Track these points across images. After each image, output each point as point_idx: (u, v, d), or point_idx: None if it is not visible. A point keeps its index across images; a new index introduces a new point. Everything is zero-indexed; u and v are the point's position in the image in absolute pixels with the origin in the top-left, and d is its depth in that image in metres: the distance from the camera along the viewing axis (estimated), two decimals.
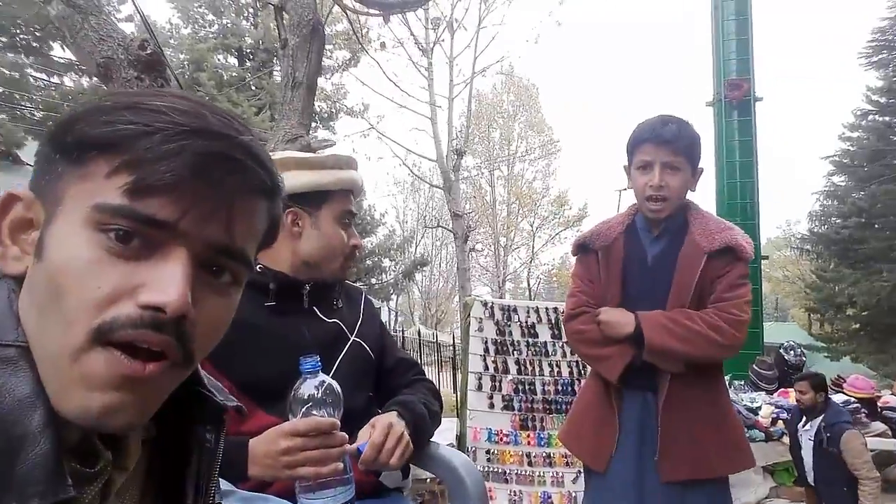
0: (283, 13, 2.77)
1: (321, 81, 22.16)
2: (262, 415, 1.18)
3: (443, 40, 16.06)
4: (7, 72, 14.11)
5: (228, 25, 18.33)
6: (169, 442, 0.59)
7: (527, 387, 4.03)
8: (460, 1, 15.75)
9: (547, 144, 24.03)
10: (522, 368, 4.07)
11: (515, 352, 4.10)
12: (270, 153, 0.57)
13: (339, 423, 1.06)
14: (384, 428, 1.20)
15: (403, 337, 13.44)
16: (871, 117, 15.99)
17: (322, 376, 1.08)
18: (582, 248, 1.91)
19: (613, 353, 1.75)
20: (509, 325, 4.14)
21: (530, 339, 4.12)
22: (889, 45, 15.52)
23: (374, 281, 24.83)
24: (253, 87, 16.79)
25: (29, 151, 17.03)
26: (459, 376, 4.54)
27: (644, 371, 1.73)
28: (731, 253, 1.72)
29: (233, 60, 18.34)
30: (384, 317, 20.91)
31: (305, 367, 1.06)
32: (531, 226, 24.33)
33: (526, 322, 4.14)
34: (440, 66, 17.12)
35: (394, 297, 27.12)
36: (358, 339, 1.39)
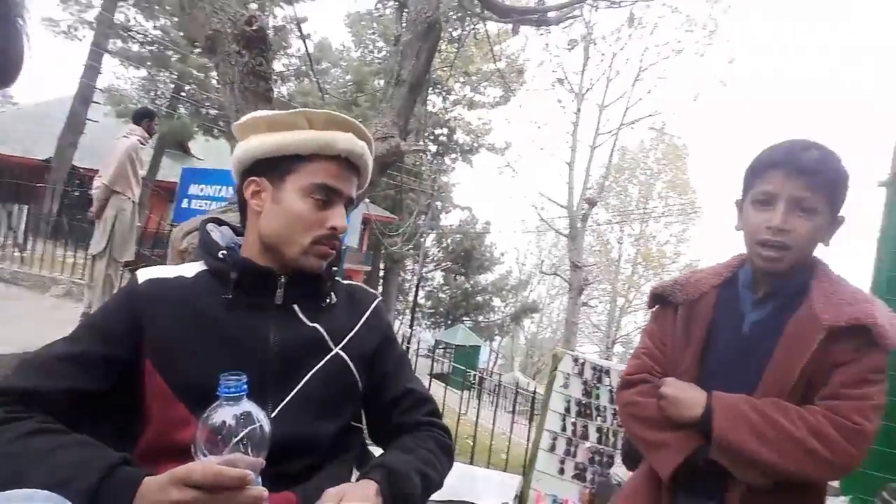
0: (405, 9, 2.69)
1: (467, 114, 22.77)
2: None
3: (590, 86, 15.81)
4: (196, 72, 15.67)
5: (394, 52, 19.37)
6: None
7: (605, 459, 3.59)
8: (623, 50, 15.51)
9: (687, 207, 22.75)
10: (604, 438, 3.65)
11: (599, 418, 3.69)
12: None
13: (252, 474, 0.76)
14: None
15: (500, 380, 13.01)
16: None
17: (246, 405, 0.79)
18: (658, 299, 1.48)
19: (671, 441, 1.30)
20: (598, 388, 3.74)
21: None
22: None
23: (480, 318, 24.62)
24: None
25: (196, 145, 18.96)
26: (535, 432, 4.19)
27: (711, 473, 1.26)
28: (865, 335, 1.20)
29: None
30: (483, 356, 20.57)
31: (225, 391, 0.77)
32: None
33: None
34: (588, 113, 16.84)
35: (498, 337, 26.73)
36: (342, 353, 1.09)
